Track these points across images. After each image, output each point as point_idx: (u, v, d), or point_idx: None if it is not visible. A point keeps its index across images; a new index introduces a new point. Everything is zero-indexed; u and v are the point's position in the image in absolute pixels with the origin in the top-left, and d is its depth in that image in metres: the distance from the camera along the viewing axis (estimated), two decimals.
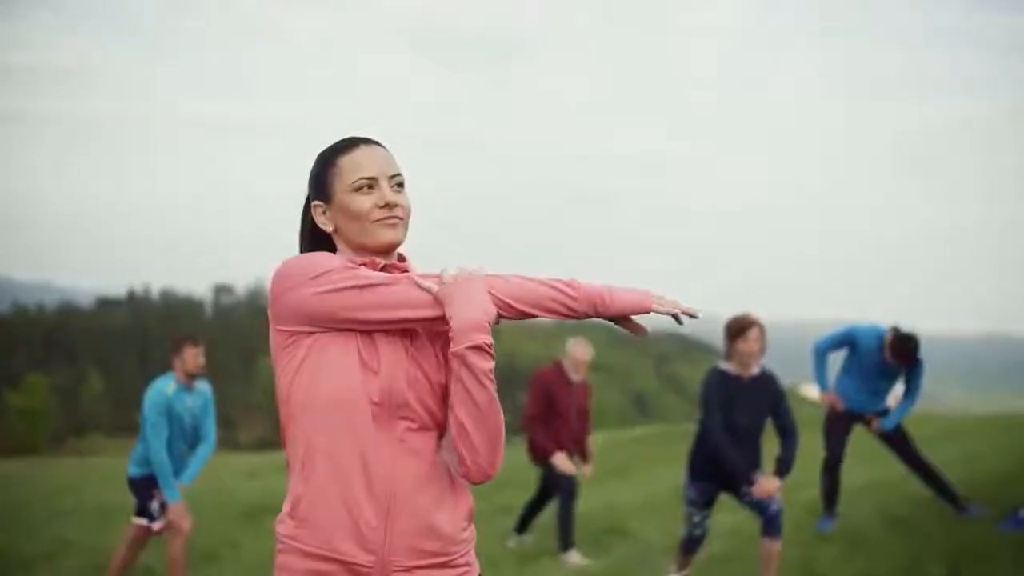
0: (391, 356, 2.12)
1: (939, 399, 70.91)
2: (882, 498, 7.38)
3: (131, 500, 6.44)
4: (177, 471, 6.31)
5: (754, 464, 5.53)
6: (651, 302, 2.17)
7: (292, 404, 2.13)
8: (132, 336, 72.01)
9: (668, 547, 7.06)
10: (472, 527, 2.24)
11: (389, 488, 2.09)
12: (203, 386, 6.47)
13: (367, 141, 2.23)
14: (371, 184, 2.17)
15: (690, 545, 5.80)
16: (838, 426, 7.04)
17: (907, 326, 6.81)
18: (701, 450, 5.62)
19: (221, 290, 78.99)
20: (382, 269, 2.18)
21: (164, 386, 6.26)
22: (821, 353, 7.06)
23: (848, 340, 7.01)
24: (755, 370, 5.58)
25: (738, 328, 5.49)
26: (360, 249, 2.20)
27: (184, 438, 6.36)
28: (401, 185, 2.20)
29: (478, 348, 2.05)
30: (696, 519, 5.69)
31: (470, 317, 2.05)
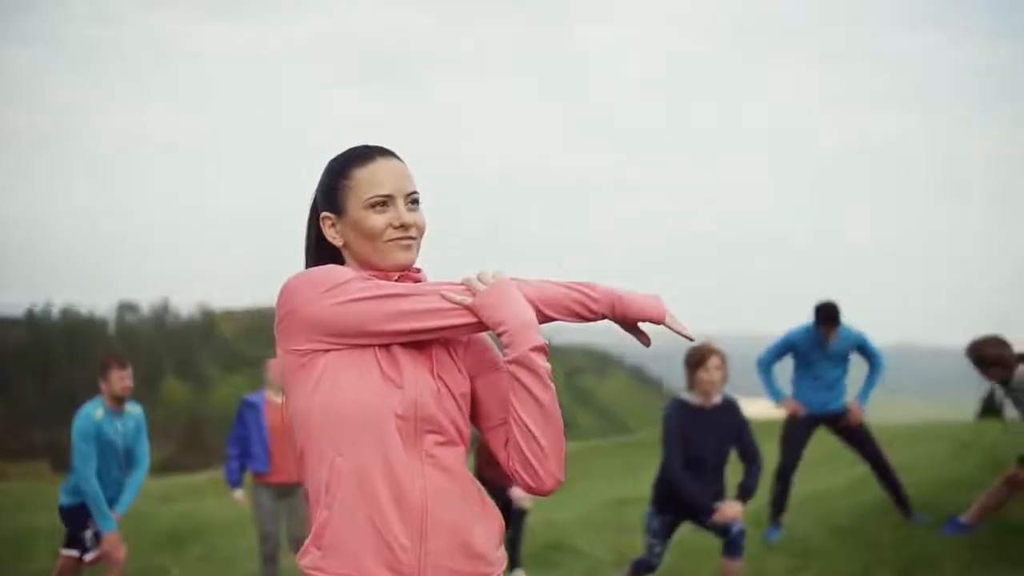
0: (413, 369, 2.01)
1: None
2: (827, 508, 7.44)
3: (63, 530, 6.17)
4: (111, 499, 6.05)
5: (718, 494, 5.46)
6: (665, 313, 2.11)
7: (311, 426, 1.99)
8: (31, 356, 69.77)
9: (614, 562, 7.01)
10: (503, 548, 2.12)
11: (421, 506, 1.97)
12: (134, 409, 6.22)
13: (383, 152, 2.12)
14: (387, 202, 2.06)
15: (643, 568, 5.72)
16: (796, 433, 7.09)
17: None
18: (664, 482, 5.53)
19: (125, 308, 77.03)
20: (396, 280, 2.08)
21: (92, 411, 6.00)
22: (766, 365, 7.10)
23: (787, 346, 7.09)
24: (717, 399, 5.51)
25: (698, 357, 5.40)
26: (369, 267, 2.09)
27: (117, 464, 6.10)
28: (416, 202, 2.10)
29: (540, 349, 1.97)
30: (657, 549, 5.62)
31: (525, 319, 1.97)
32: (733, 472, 5.52)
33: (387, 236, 2.05)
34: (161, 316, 77.97)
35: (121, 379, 6.04)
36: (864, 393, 7.08)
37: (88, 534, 6.01)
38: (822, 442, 7.33)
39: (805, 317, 7.08)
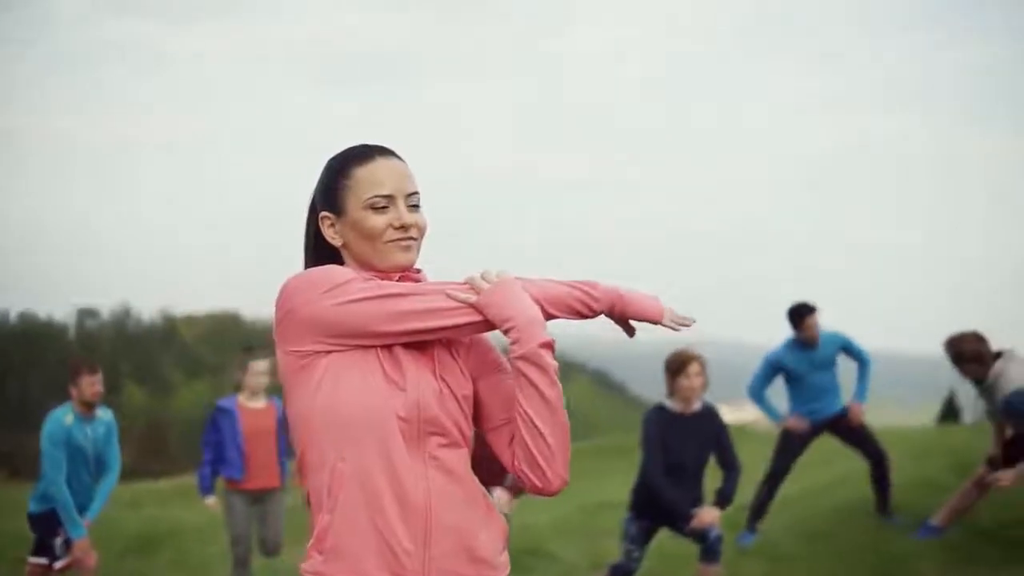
0: (416, 370, 1.99)
1: None
2: (799, 512, 7.48)
3: (30, 537, 6.09)
4: (82, 506, 5.98)
5: (696, 501, 5.47)
6: (663, 313, 2.13)
7: (312, 429, 1.96)
8: None
9: (589, 567, 7.00)
10: (507, 553, 2.10)
11: (424, 509, 1.94)
12: (104, 414, 6.16)
13: (383, 152, 2.09)
14: (387, 202, 2.03)
15: (621, 573, 5.73)
16: (794, 442, 7.11)
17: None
18: (643, 488, 5.55)
19: (85, 314, 76.06)
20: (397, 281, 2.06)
21: (62, 417, 5.93)
22: (757, 393, 7.15)
23: (772, 367, 7.10)
24: (696, 405, 5.52)
25: (678, 364, 5.41)
26: (369, 268, 2.07)
27: (87, 470, 6.04)
28: (417, 204, 2.08)
29: (548, 345, 1.96)
30: (636, 554, 5.63)
31: (532, 315, 1.96)
32: (710, 478, 5.55)
33: (387, 237, 2.03)
34: (122, 321, 77.00)
35: (92, 384, 5.97)
36: (860, 393, 7.10)
37: (58, 541, 5.94)
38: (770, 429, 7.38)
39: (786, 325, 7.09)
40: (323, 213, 2.09)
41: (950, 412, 46.63)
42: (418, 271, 2.12)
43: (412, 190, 2.07)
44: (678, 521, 5.42)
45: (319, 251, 2.13)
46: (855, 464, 7.86)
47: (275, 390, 7.08)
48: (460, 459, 2.02)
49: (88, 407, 5.98)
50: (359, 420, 1.92)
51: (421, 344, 2.01)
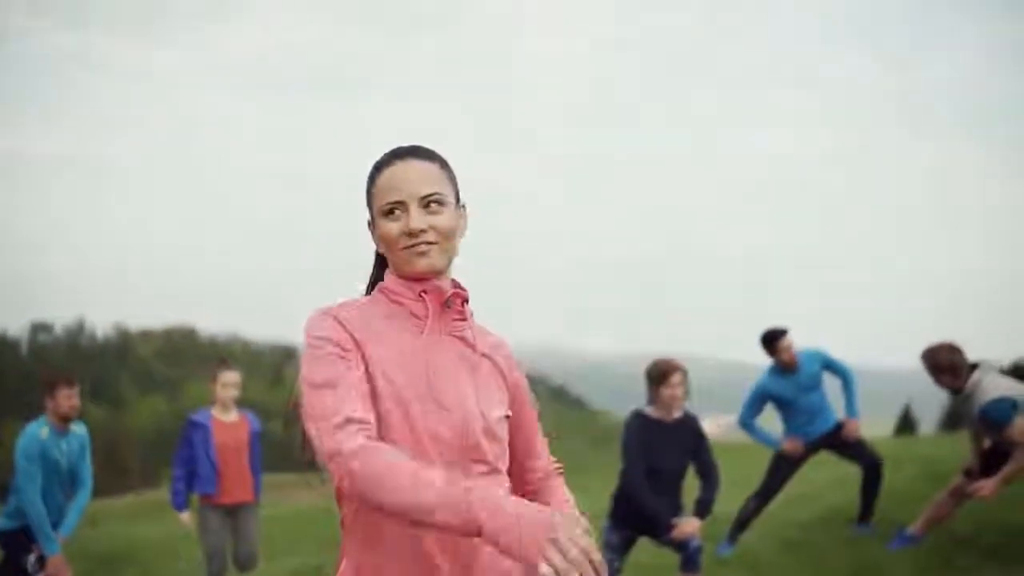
0: (457, 393, 1.93)
1: None
2: (776, 521, 7.51)
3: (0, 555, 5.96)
4: (55, 522, 5.88)
5: (676, 508, 5.51)
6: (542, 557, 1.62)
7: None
8: None
9: None
10: None
11: (468, 541, 1.85)
12: (79, 429, 6.07)
13: (405, 154, 2.01)
14: (398, 208, 1.96)
15: None
16: (786, 463, 7.14)
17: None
18: (623, 496, 5.57)
19: (38, 328, 74.98)
20: (444, 304, 1.99)
21: (37, 431, 5.83)
22: (749, 424, 7.16)
23: (760, 397, 7.13)
24: (677, 414, 5.56)
25: (660, 373, 5.46)
26: (401, 275, 2.01)
27: (61, 485, 5.94)
28: (438, 203, 1.97)
29: None
30: (616, 564, 5.64)
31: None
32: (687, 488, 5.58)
33: (401, 244, 1.96)
34: (75, 336, 76.11)
35: (69, 398, 5.88)
36: (852, 408, 7.09)
37: (31, 558, 5.83)
38: (767, 458, 7.41)
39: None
40: (368, 220, 2.06)
41: (906, 424, 47.41)
42: (460, 295, 2.03)
43: (427, 191, 1.96)
44: (659, 530, 5.44)
45: (377, 259, 2.11)
46: (831, 474, 7.94)
47: (245, 403, 7.03)
48: (500, 486, 1.96)
49: (64, 421, 5.89)
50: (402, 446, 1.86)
51: (463, 368, 1.97)
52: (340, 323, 1.92)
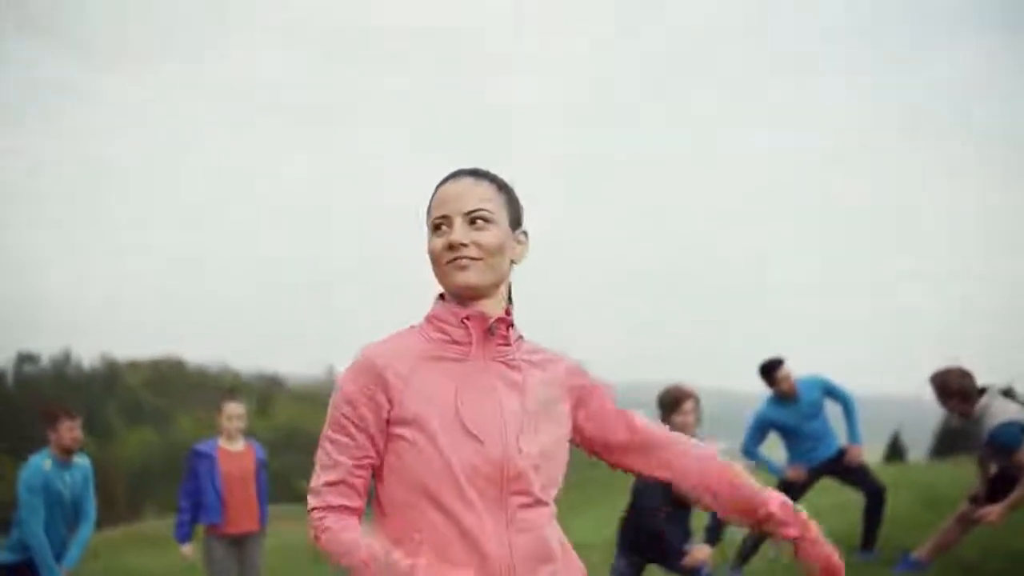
0: (494, 423, 1.90)
1: None
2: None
3: None
4: (58, 554, 5.87)
5: (687, 535, 5.50)
6: None
7: (385, 482, 1.93)
8: None
9: None
10: None
11: (508, 570, 1.88)
12: (82, 461, 6.07)
13: (460, 173, 2.01)
14: (443, 223, 1.95)
15: None
16: (792, 490, 7.12)
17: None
18: (633, 523, 5.53)
19: (24, 359, 74.52)
20: (488, 330, 1.98)
21: (40, 463, 5.84)
22: (752, 452, 7.20)
23: (763, 425, 7.16)
24: None
25: (672, 400, 5.44)
26: (445, 292, 2.01)
27: (64, 518, 5.93)
28: (484, 220, 1.94)
29: None
30: None
31: None
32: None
33: (444, 258, 1.95)
34: (62, 367, 75.59)
35: (71, 430, 5.90)
36: (854, 434, 7.13)
37: None
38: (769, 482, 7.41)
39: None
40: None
41: (895, 451, 47.36)
42: (506, 319, 2.01)
43: (472, 207, 1.95)
44: (670, 558, 5.45)
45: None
46: (831, 500, 7.94)
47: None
48: (542, 516, 1.95)
49: (67, 453, 5.90)
50: (435, 477, 1.87)
51: (505, 392, 1.95)
52: (373, 371, 1.93)
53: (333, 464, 1.92)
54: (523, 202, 2.07)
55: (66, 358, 76.02)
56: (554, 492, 2.00)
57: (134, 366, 78.62)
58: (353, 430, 1.91)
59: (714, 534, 5.52)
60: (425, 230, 2.03)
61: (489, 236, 1.95)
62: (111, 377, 75.86)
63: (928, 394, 6.05)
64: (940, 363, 6.06)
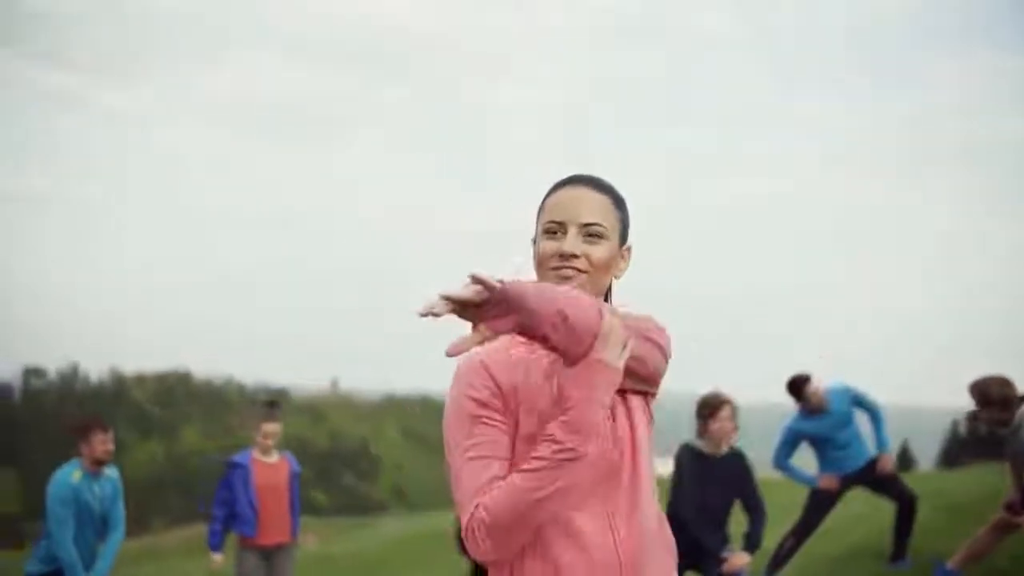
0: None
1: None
2: (804, 557, 7.47)
3: None
4: (87, 565, 5.88)
5: (724, 541, 5.52)
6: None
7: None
8: None
9: None
10: None
11: (635, 565, 1.96)
12: (111, 472, 6.09)
13: (578, 181, 1.99)
14: (558, 229, 1.93)
15: None
16: (824, 500, 7.15)
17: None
18: (671, 527, 5.54)
19: (31, 373, 74.57)
20: None
21: (69, 475, 5.85)
22: (784, 464, 7.19)
23: (794, 437, 7.15)
24: (724, 448, 5.59)
25: (710, 407, 5.51)
26: None
27: (94, 529, 5.95)
28: (598, 235, 1.93)
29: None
30: None
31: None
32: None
33: (550, 264, 1.92)
34: (69, 381, 75.72)
35: (103, 443, 5.92)
36: (882, 443, 7.14)
37: None
38: (792, 493, 7.42)
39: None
40: (532, 239, 2.03)
41: (905, 461, 47.34)
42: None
43: (589, 220, 1.93)
44: (709, 563, 5.44)
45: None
46: (857, 509, 7.92)
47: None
48: (653, 508, 2.03)
49: (99, 465, 5.92)
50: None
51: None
52: (492, 376, 1.89)
53: (477, 484, 1.84)
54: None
55: (74, 372, 76.18)
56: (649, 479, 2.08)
57: (141, 380, 78.77)
58: (493, 435, 1.87)
59: (753, 542, 5.53)
60: (534, 228, 2.02)
61: (600, 252, 1.94)
62: (118, 391, 75.98)
63: (964, 402, 6.05)
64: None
